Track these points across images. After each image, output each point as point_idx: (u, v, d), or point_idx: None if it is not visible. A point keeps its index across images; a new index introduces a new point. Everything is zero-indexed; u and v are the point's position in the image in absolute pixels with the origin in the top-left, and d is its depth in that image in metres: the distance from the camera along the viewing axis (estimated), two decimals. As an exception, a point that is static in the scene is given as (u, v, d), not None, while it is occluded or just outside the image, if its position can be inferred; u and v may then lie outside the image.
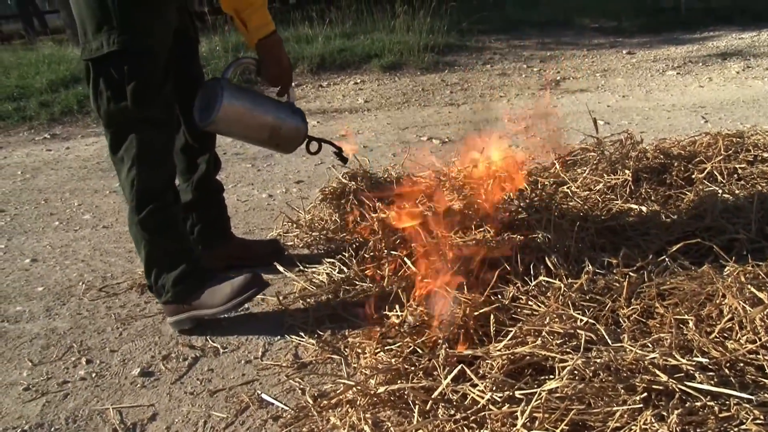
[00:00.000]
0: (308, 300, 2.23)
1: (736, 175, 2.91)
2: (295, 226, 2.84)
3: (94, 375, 1.94)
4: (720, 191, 2.68)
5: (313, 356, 1.93)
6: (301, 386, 1.79)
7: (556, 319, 1.80)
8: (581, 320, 1.79)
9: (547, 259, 2.15)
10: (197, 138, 2.31)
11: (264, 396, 1.76)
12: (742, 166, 2.97)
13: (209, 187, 2.44)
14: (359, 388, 1.63)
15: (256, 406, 1.73)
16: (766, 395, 1.47)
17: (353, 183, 2.91)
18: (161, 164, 2.03)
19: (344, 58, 6.68)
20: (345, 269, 2.35)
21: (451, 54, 6.85)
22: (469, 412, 1.49)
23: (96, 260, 2.79)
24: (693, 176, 2.92)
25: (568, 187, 2.86)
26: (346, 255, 2.42)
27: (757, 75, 5.85)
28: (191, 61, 2.26)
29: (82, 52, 1.90)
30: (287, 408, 1.70)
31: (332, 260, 2.41)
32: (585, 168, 3.01)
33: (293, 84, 2.31)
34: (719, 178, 2.87)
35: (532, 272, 2.12)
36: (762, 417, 1.38)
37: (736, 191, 2.69)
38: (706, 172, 2.91)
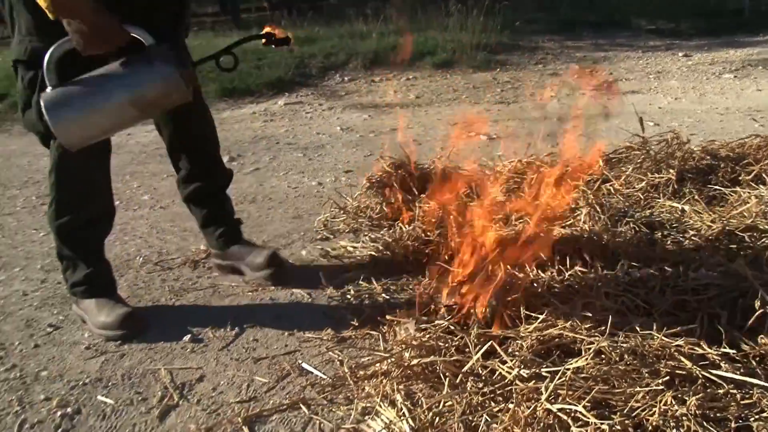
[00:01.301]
0: (351, 281, 2.33)
1: (784, 179, 2.90)
2: (342, 211, 2.94)
3: (147, 339, 2.08)
4: (766, 194, 2.67)
5: (352, 332, 2.02)
6: (340, 358, 1.89)
7: (588, 306, 1.86)
8: (611, 307, 1.85)
9: (583, 250, 2.20)
10: (174, 141, 2.28)
11: (304, 365, 1.87)
12: (791, 170, 2.95)
13: (196, 191, 2.36)
14: (393, 360, 1.72)
15: (296, 374, 1.84)
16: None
17: (399, 171, 3.00)
18: (78, 183, 2.03)
19: (397, 55, 6.78)
20: (386, 251, 2.44)
21: (503, 53, 6.89)
22: (496, 386, 1.57)
23: (153, 237, 2.95)
24: (740, 178, 2.91)
25: (610, 185, 2.89)
26: (390, 239, 2.51)
27: (818, 80, 5.73)
28: None
29: (11, 51, 1.89)
30: (325, 377, 1.81)
31: (375, 244, 2.51)
32: (629, 166, 3.03)
33: (135, 34, 1.74)
34: (767, 180, 2.87)
35: (568, 263, 2.18)
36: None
37: (782, 194, 2.68)
38: (753, 174, 2.90)
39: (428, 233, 2.47)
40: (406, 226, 2.60)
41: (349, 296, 2.24)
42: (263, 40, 1.91)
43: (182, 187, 2.38)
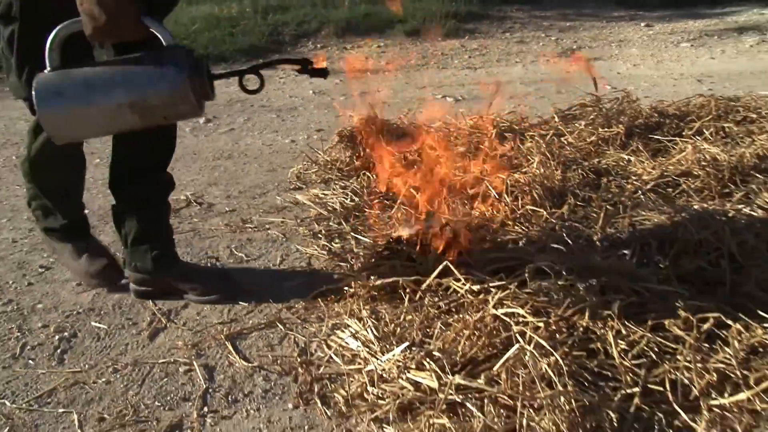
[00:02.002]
0: (322, 222, 2.53)
1: (722, 133, 3.14)
2: (313, 164, 3.13)
3: (135, 275, 2.26)
4: (704, 146, 2.91)
5: (323, 264, 2.22)
6: (312, 284, 2.09)
7: (536, 238, 2.08)
8: (556, 238, 2.07)
9: (533, 191, 2.42)
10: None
11: (280, 292, 2.07)
12: (730, 125, 3.19)
13: (135, 192, 1.98)
14: (360, 282, 1.93)
15: (273, 300, 2.03)
16: (703, 297, 1.74)
17: (368, 126, 3.19)
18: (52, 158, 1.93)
19: (369, 23, 6.91)
20: (355, 198, 2.64)
21: (472, 22, 7.06)
22: (450, 300, 1.78)
23: (134, 190, 3.11)
24: (683, 133, 3.15)
25: (564, 138, 3.11)
26: (358, 187, 2.71)
27: (770, 49, 6.00)
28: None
29: None
30: (299, 303, 2.00)
31: (345, 191, 2.70)
32: (582, 122, 3.25)
33: (152, 28, 1.53)
34: (707, 135, 3.10)
35: (520, 202, 2.39)
36: (691, 309, 1.65)
37: (718, 146, 2.92)
38: (695, 129, 3.14)
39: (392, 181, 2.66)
40: (374, 175, 2.79)
41: (320, 236, 2.43)
42: (298, 66, 1.75)
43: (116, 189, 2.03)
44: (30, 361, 1.81)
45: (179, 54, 1.52)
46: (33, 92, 1.49)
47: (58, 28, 1.51)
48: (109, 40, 1.58)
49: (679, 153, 2.79)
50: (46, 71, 1.52)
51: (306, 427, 1.50)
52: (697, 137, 2.98)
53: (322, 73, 1.74)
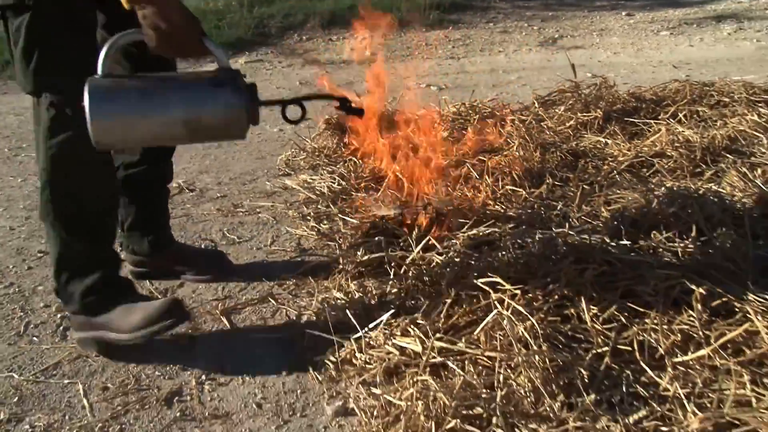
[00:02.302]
0: (311, 205, 2.62)
1: (697, 116, 3.25)
2: (301, 151, 3.22)
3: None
4: (679, 128, 3.02)
5: (312, 244, 2.32)
6: (301, 262, 2.18)
7: (515, 216, 2.18)
8: (534, 215, 2.18)
9: (513, 173, 2.52)
10: None
11: (271, 270, 2.17)
12: (704, 109, 3.31)
13: (138, 178, 2.01)
14: (348, 258, 2.03)
15: (265, 277, 2.13)
16: (672, 267, 1.85)
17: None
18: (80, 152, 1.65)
19: (354, 15, 6.97)
20: (342, 182, 2.73)
21: (456, 12, 7.15)
22: (433, 272, 1.89)
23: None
24: (659, 117, 3.26)
25: (544, 123, 3.21)
26: (344, 171, 2.80)
27: (747, 36, 6.13)
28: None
29: None
30: (289, 279, 2.10)
31: (332, 176, 2.80)
32: (561, 107, 3.36)
33: (210, 48, 1.52)
34: (682, 118, 3.22)
35: (500, 183, 2.50)
36: (659, 277, 1.76)
37: (692, 128, 3.03)
38: (671, 113, 3.25)
39: (378, 165, 2.76)
40: (360, 160, 2.89)
41: (309, 218, 2.52)
42: (337, 103, 1.75)
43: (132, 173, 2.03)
44: (34, 338, 1.90)
45: (236, 78, 1.52)
46: (87, 95, 1.44)
47: (117, 36, 1.50)
48: (171, 54, 1.60)
49: (654, 135, 2.90)
50: (97, 76, 1.48)
51: (298, 391, 1.60)
52: (671, 120, 3.09)
53: (359, 112, 1.78)
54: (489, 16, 7.11)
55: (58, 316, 2.00)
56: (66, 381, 1.69)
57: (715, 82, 3.70)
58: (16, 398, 1.63)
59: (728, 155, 2.71)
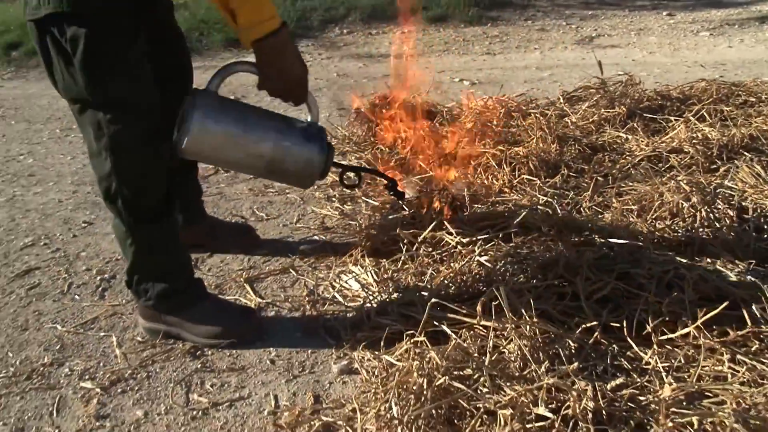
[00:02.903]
0: (337, 188, 2.77)
1: (721, 116, 3.29)
2: (333, 138, 3.37)
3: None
4: (698, 125, 3.07)
5: (335, 223, 2.47)
6: (324, 239, 2.33)
7: (524, 200, 2.29)
8: (542, 199, 2.28)
9: (530, 163, 2.62)
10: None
11: (294, 244, 2.32)
12: (730, 108, 3.35)
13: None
14: (364, 233, 2.17)
15: (288, 250, 2.29)
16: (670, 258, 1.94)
17: (383, 104, 3.42)
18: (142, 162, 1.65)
19: (394, 9, 7.10)
20: (368, 167, 2.87)
21: (495, 9, 7.22)
22: (443, 250, 2.01)
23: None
24: (684, 115, 3.31)
25: (567, 118, 3.30)
26: (371, 158, 2.94)
27: (790, 39, 6.08)
28: (165, 25, 1.85)
29: (24, 8, 1.53)
30: (311, 253, 2.25)
31: (359, 161, 2.94)
32: (586, 103, 3.43)
33: (309, 101, 1.66)
34: (706, 116, 3.26)
35: (517, 173, 2.60)
36: (657, 264, 1.85)
37: (713, 126, 3.08)
38: (695, 111, 3.30)
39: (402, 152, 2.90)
40: (386, 148, 3.02)
41: (334, 199, 2.67)
42: (386, 183, 1.96)
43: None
44: (76, 297, 2.09)
45: (321, 135, 1.67)
46: (195, 107, 1.53)
47: (234, 62, 1.63)
48: (275, 95, 1.62)
49: (671, 130, 2.97)
50: (208, 90, 1.58)
51: (309, 352, 1.75)
52: (691, 118, 3.14)
53: (401, 195, 1.98)
54: (528, 14, 7.16)
55: (98, 278, 2.19)
56: (102, 334, 1.87)
57: (745, 83, 3.73)
58: (59, 346, 1.82)
59: (746, 153, 2.76)
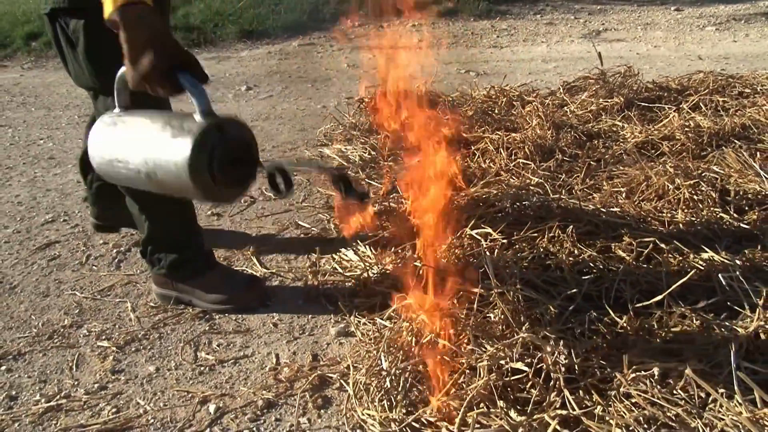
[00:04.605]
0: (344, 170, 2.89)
1: (717, 106, 3.39)
2: (339, 125, 3.49)
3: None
4: (695, 116, 3.17)
5: (339, 203, 2.59)
6: (327, 218, 2.46)
7: (516, 181, 2.41)
8: (535, 180, 2.40)
9: (526, 148, 2.74)
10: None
11: (299, 221, 2.45)
12: (725, 99, 3.44)
13: None
14: (366, 212, 2.29)
15: (294, 227, 2.42)
16: (648, 230, 2.06)
17: (389, 93, 3.53)
18: None
19: (405, 3, 7.21)
20: (373, 152, 3.00)
21: (505, 4, 7.32)
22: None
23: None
24: (681, 105, 3.41)
25: (567, 107, 3.41)
26: (376, 143, 3.07)
27: (795, 34, 6.13)
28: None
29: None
30: (314, 229, 2.38)
31: (364, 146, 3.07)
32: (585, 93, 3.54)
33: (189, 90, 1.22)
34: (702, 106, 3.36)
35: (513, 157, 2.72)
36: (635, 240, 1.97)
37: (706, 115, 3.18)
38: (691, 102, 3.40)
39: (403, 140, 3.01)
40: (390, 134, 3.14)
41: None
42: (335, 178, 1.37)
43: None
44: (93, 267, 2.23)
45: (204, 129, 1.19)
46: (85, 139, 1.41)
47: (120, 71, 1.33)
48: (138, 87, 1.27)
49: (664, 118, 3.07)
50: (112, 112, 1.39)
51: (309, 316, 1.88)
52: (685, 107, 3.24)
53: (358, 195, 1.36)
54: (537, 8, 7.25)
55: (114, 251, 2.33)
56: (117, 300, 2.01)
57: (742, 75, 3.82)
58: (78, 310, 1.96)
59: (736, 141, 2.86)
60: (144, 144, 1.27)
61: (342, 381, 1.58)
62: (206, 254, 2.00)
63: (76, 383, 1.64)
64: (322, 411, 1.50)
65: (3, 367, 1.70)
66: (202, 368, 1.68)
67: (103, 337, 1.82)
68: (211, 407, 1.52)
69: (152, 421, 1.49)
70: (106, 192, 2.17)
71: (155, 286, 2.00)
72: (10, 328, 1.88)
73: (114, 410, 1.53)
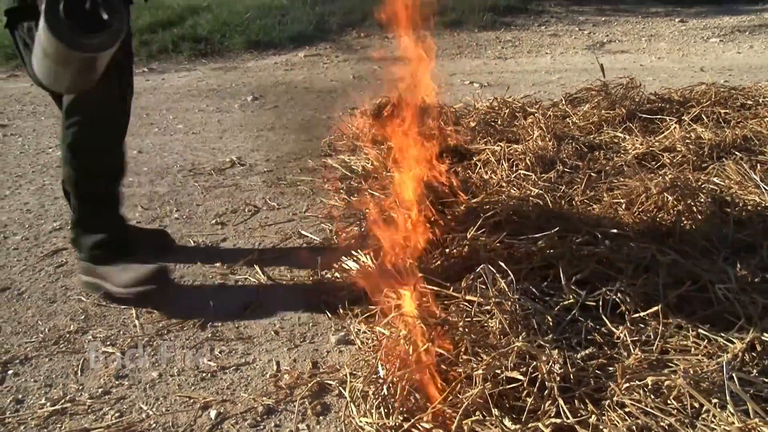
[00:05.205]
0: (345, 181, 2.93)
1: (719, 118, 3.41)
2: (343, 135, 3.53)
3: (184, 217, 2.70)
4: (695, 128, 3.20)
5: (341, 212, 2.63)
6: (329, 228, 2.49)
7: (517, 191, 2.44)
8: (534, 191, 2.43)
9: (527, 159, 2.77)
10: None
11: (302, 231, 2.48)
12: (727, 111, 3.47)
13: None
14: (366, 222, 2.33)
15: (296, 237, 2.45)
16: (647, 241, 2.08)
17: (391, 104, 3.57)
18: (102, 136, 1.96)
19: (412, 15, 7.27)
20: (376, 163, 3.03)
21: (510, 15, 7.37)
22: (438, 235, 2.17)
23: (186, 153, 3.57)
24: (682, 117, 3.44)
25: (569, 119, 3.44)
26: (378, 154, 3.10)
27: (801, 46, 6.15)
28: None
29: None
30: (316, 239, 2.41)
31: (367, 157, 3.10)
32: (588, 105, 3.57)
33: None
34: (704, 118, 3.39)
35: (515, 168, 2.75)
36: (634, 248, 1.99)
37: (708, 127, 3.20)
38: (693, 113, 3.43)
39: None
40: (392, 144, 3.18)
41: (342, 191, 2.83)
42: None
43: None
44: (99, 274, 2.26)
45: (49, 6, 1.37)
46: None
47: None
48: None
49: (665, 129, 3.09)
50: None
51: (310, 324, 1.91)
52: (686, 119, 3.26)
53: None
54: (542, 20, 7.29)
55: (120, 259, 2.36)
56: (122, 307, 2.04)
57: (744, 87, 3.84)
58: (83, 316, 1.99)
59: (737, 152, 2.88)
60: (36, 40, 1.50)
61: (341, 388, 1.61)
62: (126, 244, 2.12)
63: (80, 388, 1.67)
64: (320, 417, 1.53)
65: (10, 371, 1.74)
66: (203, 374, 1.71)
67: (108, 343, 1.85)
68: (212, 413, 1.55)
69: (154, 425, 1.52)
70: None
71: (81, 275, 2.12)
72: (17, 333, 1.91)
73: (117, 414, 1.56)
